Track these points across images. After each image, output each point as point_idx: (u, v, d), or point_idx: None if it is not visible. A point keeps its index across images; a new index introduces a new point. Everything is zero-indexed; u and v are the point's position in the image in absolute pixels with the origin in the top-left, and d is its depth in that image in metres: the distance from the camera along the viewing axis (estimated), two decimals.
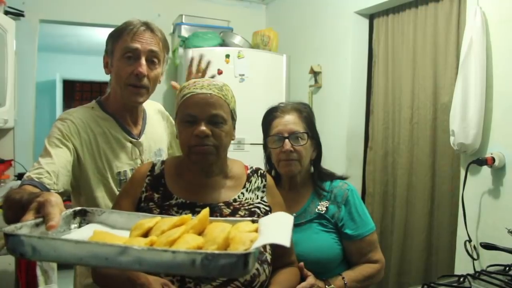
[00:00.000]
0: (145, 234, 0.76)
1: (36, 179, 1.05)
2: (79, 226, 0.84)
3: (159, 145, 1.38)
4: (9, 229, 0.65)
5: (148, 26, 1.24)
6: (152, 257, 0.60)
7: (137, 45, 1.20)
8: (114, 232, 0.80)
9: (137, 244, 0.67)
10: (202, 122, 1.02)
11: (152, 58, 1.23)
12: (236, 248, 0.65)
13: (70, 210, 0.83)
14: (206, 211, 0.79)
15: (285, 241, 0.64)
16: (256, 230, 0.76)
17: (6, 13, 2.64)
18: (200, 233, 0.76)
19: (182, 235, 0.71)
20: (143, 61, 1.21)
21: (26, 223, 0.70)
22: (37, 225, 0.72)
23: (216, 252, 0.61)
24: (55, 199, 0.75)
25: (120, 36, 1.22)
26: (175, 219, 0.78)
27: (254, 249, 0.62)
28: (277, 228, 0.73)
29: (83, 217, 0.86)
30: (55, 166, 1.10)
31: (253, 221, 0.82)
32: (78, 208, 0.86)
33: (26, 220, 0.72)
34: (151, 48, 1.22)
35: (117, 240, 0.70)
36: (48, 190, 1.05)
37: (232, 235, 0.70)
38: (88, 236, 0.73)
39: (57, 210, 0.73)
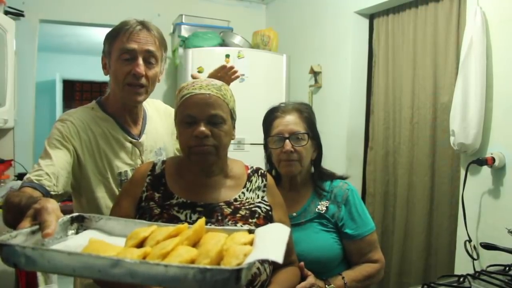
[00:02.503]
0: (141, 244, 0.76)
1: (36, 181, 1.05)
2: (77, 232, 0.84)
3: (159, 144, 1.37)
4: (4, 238, 0.65)
5: (144, 25, 1.23)
6: (144, 270, 0.60)
7: (134, 45, 1.20)
8: (110, 239, 0.80)
9: (130, 256, 0.67)
10: (202, 123, 1.02)
11: (150, 58, 1.23)
12: (229, 262, 0.65)
13: (68, 216, 0.83)
14: (201, 221, 0.79)
15: (278, 257, 0.64)
16: (252, 242, 0.76)
17: (6, 13, 2.64)
18: (196, 244, 0.76)
19: (176, 247, 0.71)
20: (140, 61, 1.21)
21: (21, 231, 0.70)
22: (33, 232, 0.72)
23: (209, 267, 0.61)
24: (52, 206, 0.75)
25: (117, 36, 1.22)
26: (170, 228, 0.78)
27: (246, 264, 0.62)
28: (272, 242, 0.73)
29: (80, 223, 0.86)
30: (55, 168, 1.09)
31: (250, 232, 0.82)
32: (76, 214, 0.86)
33: (22, 227, 0.72)
34: (147, 48, 1.22)
35: (111, 250, 0.70)
36: (48, 192, 1.05)
37: (226, 246, 0.70)
38: (84, 244, 0.73)
39: (54, 217, 0.73)
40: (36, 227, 0.72)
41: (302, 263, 1.17)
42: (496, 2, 1.86)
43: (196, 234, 0.76)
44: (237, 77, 1.49)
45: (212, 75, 1.44)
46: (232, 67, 1.46)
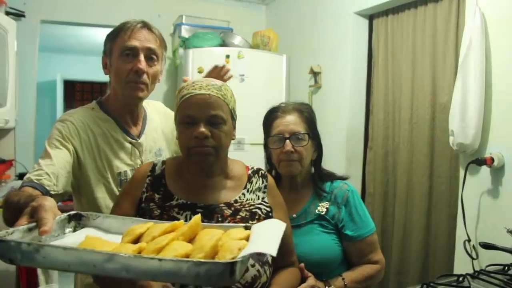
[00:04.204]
0: (137, 240, 0.76)
1: (36, 181, 1.05)
2: (74, 230, 0.85)
3: (159, 145, 1.38)
4: (0, 234, 0.66)
5: (145, 24, 1.25)
6: (138, 264, 0.60)
7: (135, 43, 1.21)
8: (108, 237, 0.80)
9: (125, 251, 0.67)
10: (201, 123, 1.01)
11: (151, 55, 1.24)
12: (224, 256, 0.66)
13: (65, 214, 0.83)
14: (197, 217, 0.79)
15: (272, 251, 0.64)
16: (248, 237, 0.76)
17: (7, 13, 2.64)
18: (191, 240, 0.76)
19: (171, 242, 0.71)
20: (142, 57, 1.21)
21: (18, 228, 0.70)
22: (30, 230, 0.72)
23: (202, 260, 0.61)
24: (49, 204, 0.76)
25: (118, 35, 1.23)
26: (166, 225, 0.78)
27: (240, 257, 0.62)
28: (267, 236, 0.73)
29: (78, 221, 0.86)
30: (55, 168, 1.10)
31: (246, 228, 0.82)
32: (73, 212, 0.87)
33: (19, 225, 0.72)
34: (149, 46, 1.23)
35: (107, 246, 0.71)
36: (47, 191, 1.05)
37: (221, 242, 0.70)
38: (80, 241, 0.74)
39: (51, 215, 0.74)
40: (33, 224, 0.73)
41: (302, 265, 1.16)
42: (495, 2, 1.86)
43: (192, 230, 0.76)
44: (230, 77, 1.49)
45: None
46: (223, 66, 1.46)
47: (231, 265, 0.59)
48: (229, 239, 0.72)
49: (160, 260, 0.60)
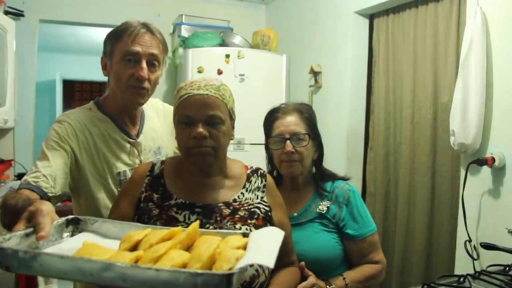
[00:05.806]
0: (134, 247, 0.76)
1: (33, 183, 1.04)
2: (72, 235, 0.84)
3: (158, 144, 1.37)
4: None
5: (148, 28, 1.23)
6: (135, 274, 0.60)
7: (138, 48, 1.19)
8: (106, 242, 0.80)
9: (122, 259, 0.67)
10: (199, 124, 1.01)
11: (153, 61, 1.23)
12: (221, 266, 0.66)
13: (63, 219, 0.83)
14: (195, 225, 0.78)
15: (270, 262, 0.65)
16: (245, 246, 0.76)
17: (6, 13, 2.63)
18: (189, 247, 0.75)
19: (169, 251, 0.71)
20: (144, 64, 1.20)
21: (15, 234, 0.70)
22: (27, 235, 0.72)
23: (200, 271, 0.61)
24: (47, 208, 0.75)
25: (120, 38, 1.21)
26: (164, 231, 0.78)
27: (237, 269, 0.62)
28: (265, 246, 0.73)
29: (75, 225, 0.86)
30: (52, 169, 1.09)
31: (244, 235, 0.82)
32: (71, 216, 0.86)
33: (16, 230, 0.72)
34: (151, 52, 1.21)
35: (104, 253, 0.71)
36: (45, 193, 1.04)
37: (219, 250, 0.70)
38: (78, 246, 0.73)
39: (48, 219, 0.73)
40: (31, 229, 0.72)
41: (303, 263, 1.16)
42: (496, 2, 1.86)
43: (190, 238, 0.76)
44: None
45: None
46: None
47: (228, 276, 0.60)
48: (227, 248, 0.72)
49: (157, 270, 0.60)
